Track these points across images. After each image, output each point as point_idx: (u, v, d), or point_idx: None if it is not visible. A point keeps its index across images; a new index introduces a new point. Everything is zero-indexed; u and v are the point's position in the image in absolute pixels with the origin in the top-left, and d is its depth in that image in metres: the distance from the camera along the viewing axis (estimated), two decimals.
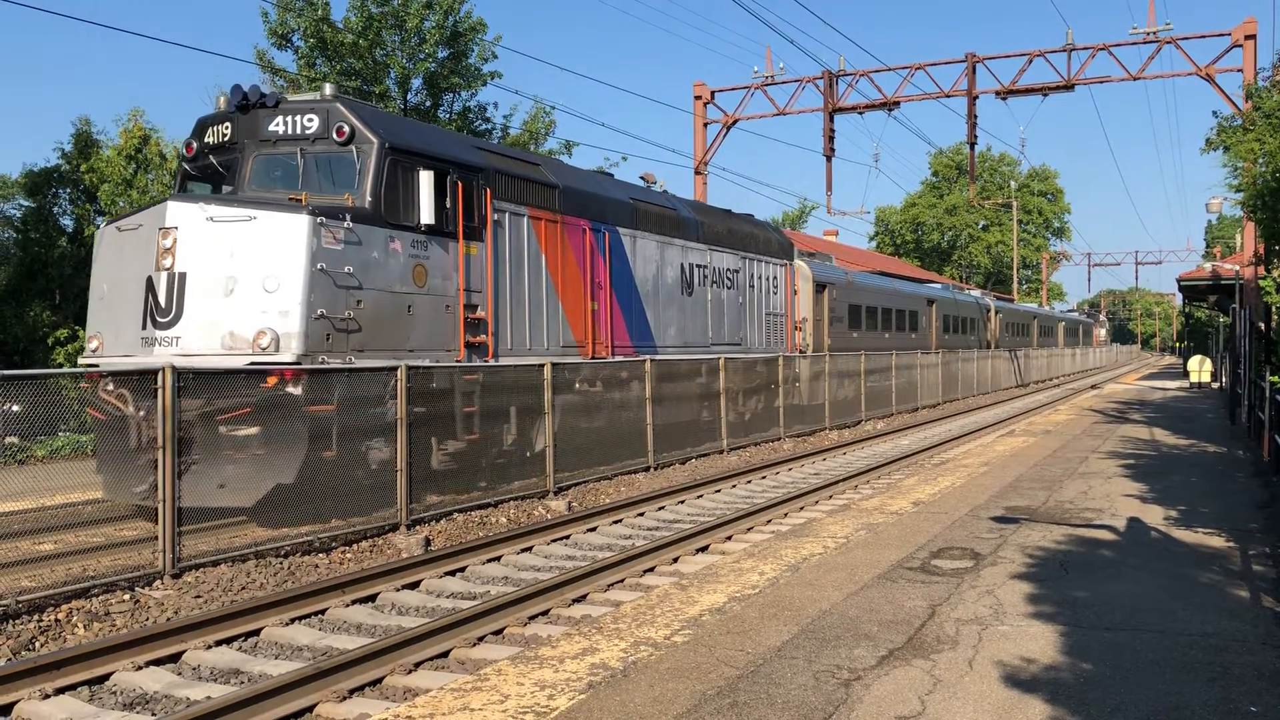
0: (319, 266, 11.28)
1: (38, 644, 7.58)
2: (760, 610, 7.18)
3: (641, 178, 21.00)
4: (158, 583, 8.95)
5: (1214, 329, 53.34)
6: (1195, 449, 18.02)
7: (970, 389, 37.72)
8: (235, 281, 11.10)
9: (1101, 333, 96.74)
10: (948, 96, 31.86)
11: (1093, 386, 48.13)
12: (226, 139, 12.71)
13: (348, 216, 11.74)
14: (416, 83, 28.37)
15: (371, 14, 26.71)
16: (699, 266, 20.09)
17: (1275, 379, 14.13)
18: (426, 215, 12.65)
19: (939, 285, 44.91)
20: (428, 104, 28.79)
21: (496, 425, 13.77)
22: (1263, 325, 19.20)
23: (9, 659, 7.18)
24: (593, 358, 16.27)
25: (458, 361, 13.16)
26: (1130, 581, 7.97)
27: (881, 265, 50.08)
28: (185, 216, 11.25)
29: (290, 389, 10.76)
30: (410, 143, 12.94)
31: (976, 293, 48.90)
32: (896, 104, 32.41)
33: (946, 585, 7.85)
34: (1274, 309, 18.05)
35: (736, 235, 21.79)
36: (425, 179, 12.66)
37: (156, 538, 9.09)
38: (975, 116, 31.44)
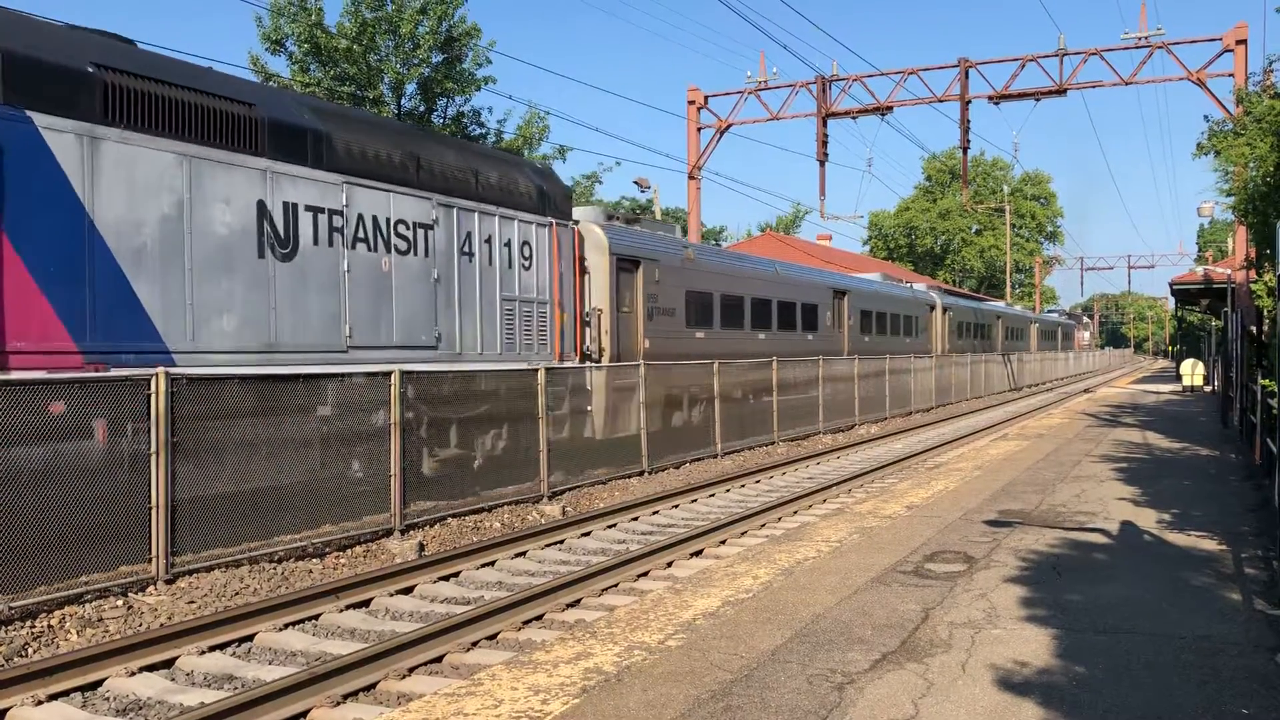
0: None
1: (30, 650, 7.56)
2: (754, 614, 7.19)
3: (635, 182, 20.94)
4: (151, 588, 8.93)
5: (1206, 333, 53.54)
6: (1188, 452, 18.07)
7: (963, 394, 37.65)
8: None
9: (1085, 336, 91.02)
10: (941, 101, 31.98)
11: (1085, 390, 48.27)
12: None
13: None
14: (410, 88, 28.41)
15: (365, 19, 26.74)
16: (317, 211, 11.76)
17: (1266, 382, 14.17)
18: None
19: (869, 275, 36.82)
20: (422, 109, 28.82)
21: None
22: (1254, 329, 19.27)
23: (1, 665, 7.16)
24: None
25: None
26: (1123, 584, 7.99)
27: (878, 269, 49.99)
28: None
29: None
30: None
31: (921, 286, 41.05)
32: (889, 109, 32.51)
33: (940, 589, 7.87)
34: (1265, 312, 18.13)
35: (429, 167, 13.62)
36: None
37: (150, 544, 9.07)
38: (968, 121, 31.56)
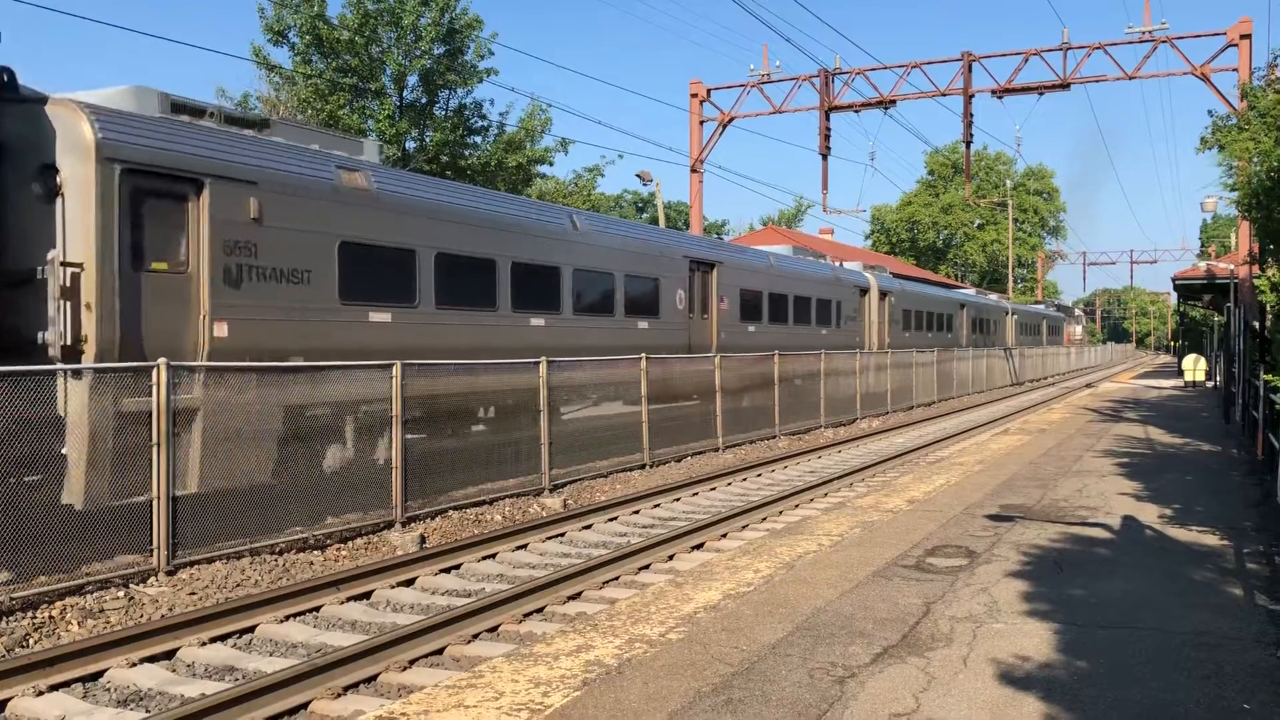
0: None
1: (31, 640, 7.57)
2: (755, 608, 7.18)
3: (638, 175, 20.82)
4: (152, 579, 8.94)
5: (1209, 328, 53.49)
6: (1190, 447, 18.05)
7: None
8: None
9: (1077, 330, 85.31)
10: (944, 95, 31.88)
11: (1087, 385, 48.24)
12: None
13: None
14: (412, 79, 28.36)
15: (368, 10, 26.69)
16: None
17: (1269, 378, 14.16)
18: None
19: (774, 247, 28.49)
20: (424, 101, 28.77)
21: None
22: (1257, 324, 19.25)
23: (2, 656, 7.16)
24: None
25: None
26: (1125, 579, 7.98)
27: (879, 264, 49.89)
28: None
29: None
30: None
31: (855, 265, 33.08)
32: (893, 102, 32.42)
33: (941, 583, 7.86)
34: (1268, 308, 18.09)
35: None
36: None
37: (151, 535, 9.07)
38: (971, 115, 31.46)
